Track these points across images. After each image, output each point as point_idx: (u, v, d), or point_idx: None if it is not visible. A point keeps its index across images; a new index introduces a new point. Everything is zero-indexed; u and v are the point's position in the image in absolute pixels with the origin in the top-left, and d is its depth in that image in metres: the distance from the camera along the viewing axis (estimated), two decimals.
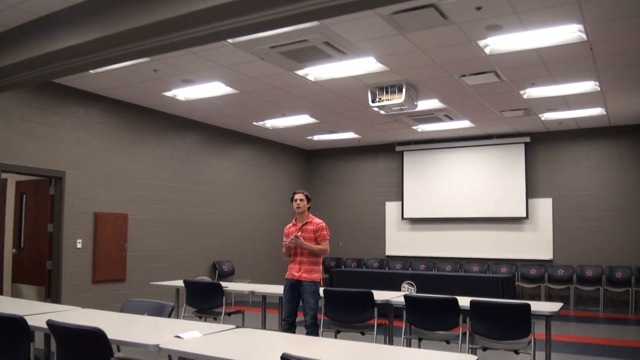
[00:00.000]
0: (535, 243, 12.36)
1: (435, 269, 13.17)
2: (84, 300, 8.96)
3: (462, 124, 11.67)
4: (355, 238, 14.64)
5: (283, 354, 2.72)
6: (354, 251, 14.55)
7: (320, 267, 6.41)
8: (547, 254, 12.19)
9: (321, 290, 6.40)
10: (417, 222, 13.84)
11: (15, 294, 9.45)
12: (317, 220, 6.43)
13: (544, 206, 12.34)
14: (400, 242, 14.04)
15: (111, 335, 3.54)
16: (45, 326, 3.76)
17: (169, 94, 9.55)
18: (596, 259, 11.68)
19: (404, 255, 13.85)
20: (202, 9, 4.92)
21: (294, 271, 6.33)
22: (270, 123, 11.92)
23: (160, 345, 3.45)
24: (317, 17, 5.36)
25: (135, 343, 3.58)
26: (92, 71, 8.10)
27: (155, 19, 5.30)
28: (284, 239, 6.45)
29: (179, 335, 3.68)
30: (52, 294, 8.89)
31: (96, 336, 3.48)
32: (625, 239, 11.50)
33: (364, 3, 4.80)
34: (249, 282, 10.50)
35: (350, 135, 13.21)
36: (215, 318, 7.16)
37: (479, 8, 5.91)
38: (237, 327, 4.15)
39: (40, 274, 9.05)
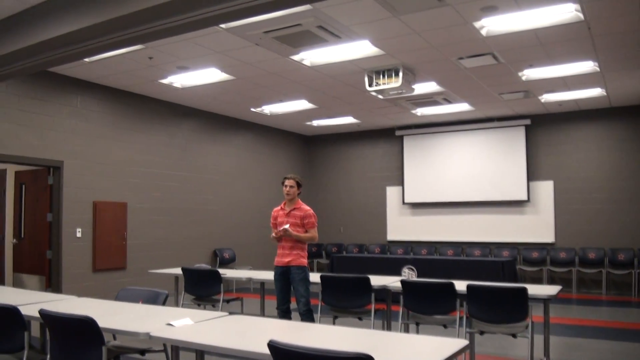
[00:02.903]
0: (536, 226, 12.33)
1: (437, 254, 13.15)
2: (85, 289, 8.96)
3: (461, 107, 11.61)
4: (357, 223, 14.62)
5: (270, 341, 2.69)
6: (356, 236, 14.54)
7: (306, 253, 6.38)
8: (548, 237, 12.16)
9: (315, 275, 6.40)
10: (418, 206, 13.80)
11: (17, 283, 9.47)
12: (305, 207, 6.40)
13: (545, 189, 12.29)
14: (402, 227, 14.01)
15: (103, 323, 3.53)
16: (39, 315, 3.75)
17: (165, 81, 9.50)
18: (598, 241, 11.64)
19: (406, 240, 13.83)
20: None
21: (282, 257, 6.31)
22: (268, 109, 11.87)
23: (150, 333, 3.43)
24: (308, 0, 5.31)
25: (127, 331, 3.57)
26: (87, 60, 8.07)
27: (147, 4, 5.26)
28: (272, 222, 6.47)
29: (171, 322, 3.67)
30: (52, 283, 8.90)
31: (87, 324, 3.47)
32: (627, 221, 11.45)
33: None
34: (250, 269, 10.49)
35: (349, 120, 13.15)
36: (214, 305, 7.15)
37: None
38: (229, 313, 4.12)
39: (40, 263, 9.07)
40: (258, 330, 3.75)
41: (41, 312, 3.70)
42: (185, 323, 3.71)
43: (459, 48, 7.84)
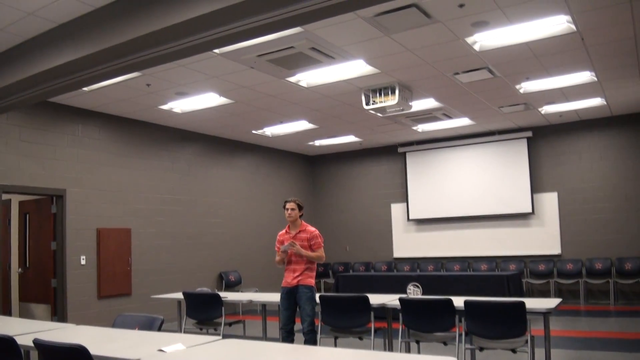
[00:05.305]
0: (542, 238, 12.26)
1: (444, 270, 13.08)
2: (90, 316, 9.00)
3: (461, 122, 11.62)
4: (363, 241, 14.60)
5: None
6: (362, 255, 14.50)
7: (315, 273, 6.39)
8: (555, 249, 12.09)
9: (316, 295, 6.39)
10: (424, 222, 13.77)
11: (23, 313, 9.51)
12: (310, 228, 6.42)
13: (550, 200, 12.25)
14: (408, 244, 13.97)
15: (95, 351, 3.53)
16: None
17: (165, 107, 9.58)
18: (605, 251, 11.55)
19: (412, 257, 13.77)
20: (185, 20, 4.98)
21: (289, 278, 6.33)
22: (269, 131, 11.93)
23: (141, 359, 3.45)
24: (297, 22, 5.35)
25: (118, 358, 3.57)
26: (86, 89, 8.16)
27: (140, 32, 5.34)
28: (277, 245, 6.46)
29: (162, 348, 3.68)
30: (58, 312, 8.93)
31: (78, 353, 3.47)
32: (633, 229, 11.36)
33: (341, 6, 4.77)
34: (256, 291, 10.49)
35: (351, 138, 13.19)
36: (216, 329, 7.14)
37: (461, 5, 5.89)
38: (223, 337, 4.13)
39: (46, 292, 9.10)
40: (249, 354, 3.75)
41: (35, 341, 3.72)
42: (176, 348, 3.71)
43: (454, 64, 7.88)
